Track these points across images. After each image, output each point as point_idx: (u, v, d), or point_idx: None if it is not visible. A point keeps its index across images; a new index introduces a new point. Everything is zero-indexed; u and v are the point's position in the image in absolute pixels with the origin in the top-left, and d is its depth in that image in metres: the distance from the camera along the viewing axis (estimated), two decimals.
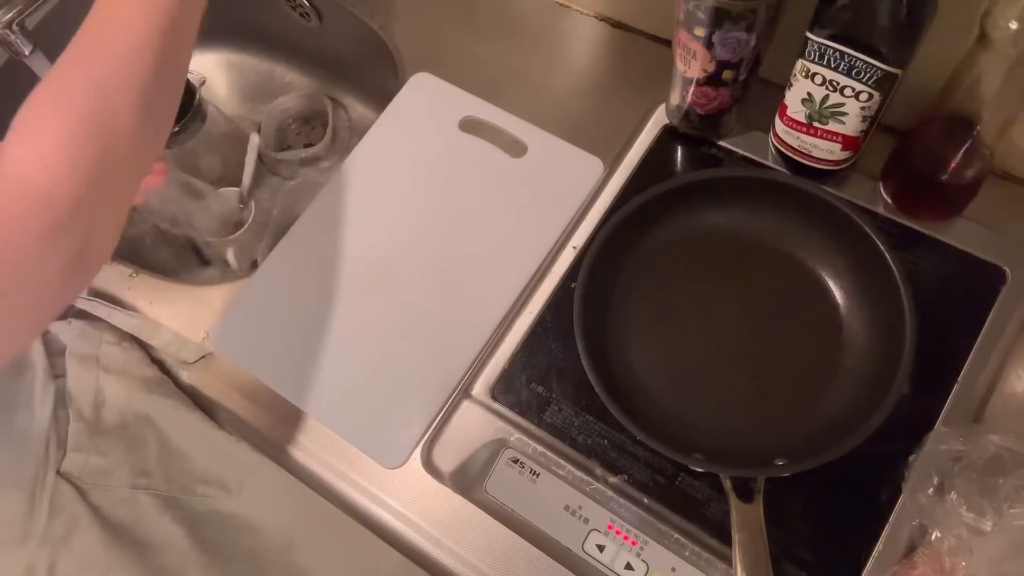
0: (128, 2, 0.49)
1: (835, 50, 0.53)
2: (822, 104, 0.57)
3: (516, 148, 0.72)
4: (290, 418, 0.64)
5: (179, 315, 0.69)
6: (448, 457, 0.60)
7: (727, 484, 0.54)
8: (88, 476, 0.61)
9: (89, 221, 0.44)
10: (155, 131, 0.50)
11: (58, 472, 0.61)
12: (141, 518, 0.61)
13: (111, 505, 0.61)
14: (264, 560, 0.63)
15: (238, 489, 0.64)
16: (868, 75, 0.53)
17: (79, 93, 0.45)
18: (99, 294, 0.69)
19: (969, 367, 0.58)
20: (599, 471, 0.58)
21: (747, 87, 0.63)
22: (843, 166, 0.62)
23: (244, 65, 1.00)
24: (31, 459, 0.60)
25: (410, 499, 0.60)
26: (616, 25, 0.78)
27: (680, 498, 0.57)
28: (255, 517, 0.64)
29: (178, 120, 0.79)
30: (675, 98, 0.66)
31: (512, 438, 0.60)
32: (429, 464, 0.60)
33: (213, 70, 0.99)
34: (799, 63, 0.56)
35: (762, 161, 0.68)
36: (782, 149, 0.64)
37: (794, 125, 0.61)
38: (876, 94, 0.54)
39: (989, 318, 0.59)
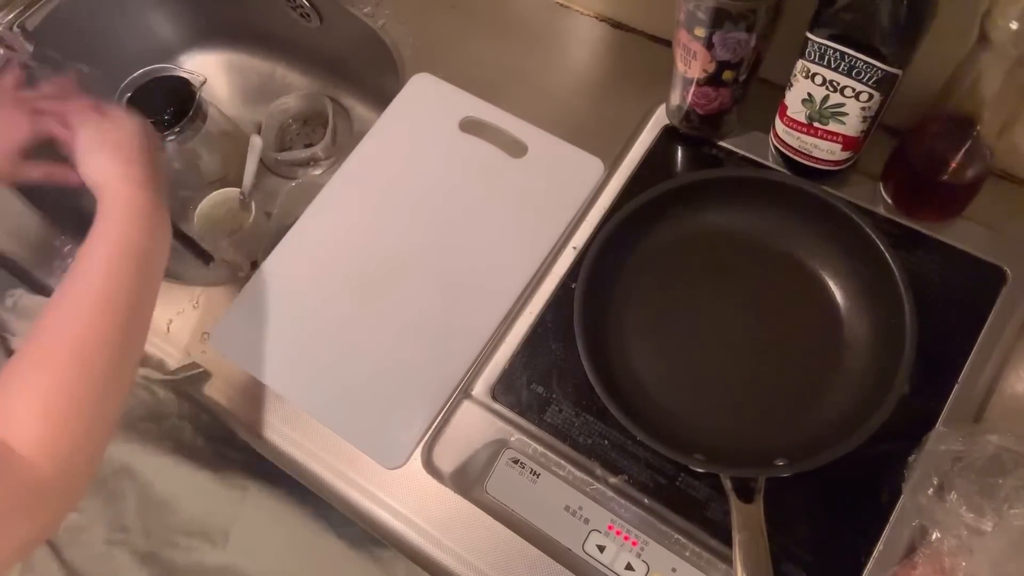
0: (99, 268, 0.54)
1: (835, 50, 0.53)
2: (822, 104, 0.57)
3: (516, 148, 0.72)
4: (290, 418, 0.64)
5: (179, 315, 0.69)
6: (448, 457, 0.60)
7: (727, 484, 0.54)
8: (64, 532, 0.61)
9: (71, 479, 0.48)
10: (130, 368, 0.55)
11: None
12: (116, 575, 0.61)
13: (85, 562, 0.61)
14: None
15: (223, 539, 0.63)
16: (868, 75, 0.53)
17: (59, 366, 0.49)
18: None
19: (969, 367, 0.58)
20: (599, 471, 0.58)
21: (747, 87, 0.63)
22: (843, 166, 0.62)
23: (244, 65, 1.00)
24: None
25: (410, 499, 0.60)
26: (616, 25, 0.78)
27: (680, 498, 0.57)
28: (242, 565, 0.63)
29: (178, 120, 0.79)
30: (675, 98, 0.66)
31: (512, 438, 0.60)
32: (429, 464, 0.60)
33: (213, 70, 0.99)
34: (799, 63, 0.56)
35: (762, 161, 0.68)
36: (782, 149, 0.64)
37: (794, 125, 0.61)
38: (876, 94, 0.54)
39: (989, 318, 0.59)
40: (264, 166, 0.92)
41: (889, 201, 0.64)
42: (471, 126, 0.73)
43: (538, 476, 0.59)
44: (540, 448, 0.60)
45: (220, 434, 0.72)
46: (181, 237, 0.88)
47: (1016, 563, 0.46)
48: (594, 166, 0.70)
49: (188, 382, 0.66)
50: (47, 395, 0.48)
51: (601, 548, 0.56)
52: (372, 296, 0.67)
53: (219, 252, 0.86)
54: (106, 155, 0.59)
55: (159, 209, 0.59)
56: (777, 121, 0.63)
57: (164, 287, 0.71)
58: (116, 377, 0.52)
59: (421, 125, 0.74)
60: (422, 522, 0.59)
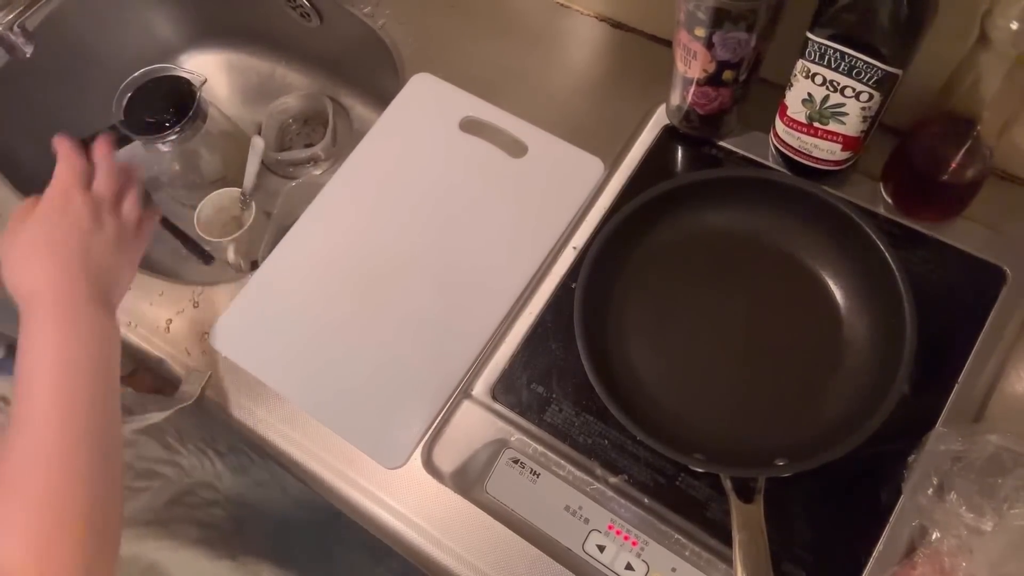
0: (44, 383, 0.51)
1: (835, 50, 0.53)
2: (822, 104, 0.57)
3: (516, 148, 0.72)
4: (290, 418, 0.64)
5: (179, 314, 0.69)
6: (448, 457, 0.60)
7: (727, 484, 0.54)
8: None
9: None
10: (110, 470, 0.52)
11: None
12: None
13: None
14: None
15: None
16: (868, 75, 0.53)
17: (30, 494, 0.47)
18: None
19: (969, 367, 0.58)
20: (599, 471, 0.58)
21: (747, 87, 0.63)
22: (843, 166, 0.62)
23: (244, 65, 1.00)
24: None
25: (410, 499, 0.60)
26: (616, 25, 0.78)
27: (680, 498, 0.57)
28: None
29: (178, 120, 0.79)
30: (675, 98, 0.66)
31: (512, 438, 0.60)
32: (429, 464, 0.60)
33: (214, 70, 0.99)
34: (799, 63, 0.56)
35: (762, 161, 0.68)
36: (782, 149, 0.64)
37: (794, 125, 0.61)
38: (876, 94, 0.54)
39: (989, 318, 0.59)
40: (264, 166, 0.92)
41: (889, 201, 0.64)
42: (471, 126, 0.73)
43: (538, 476, 0.59)
44: (540, 448, 0.60)
45: (237, 491, 0.75)
46: (181, 237, 0.88)
47: (1016, 563, 0.46)
48: (594, 166, 0.70)
49: (202, 396, 0.66)
50: (27, 525, 0.46)
51: (601, 548, 0.56)
52: (372, 296, 0.67)
53: (219, 252, 0.86)
54: (36, 260, 0.54)
55: (94, 315, 0.54)
56: (777, 121, 0.63)
57: (164, 286, 0.71)
58: (92, 495, 0.49)
59: (421, 125, 0.74)
60: (422, 522, 0.59)
